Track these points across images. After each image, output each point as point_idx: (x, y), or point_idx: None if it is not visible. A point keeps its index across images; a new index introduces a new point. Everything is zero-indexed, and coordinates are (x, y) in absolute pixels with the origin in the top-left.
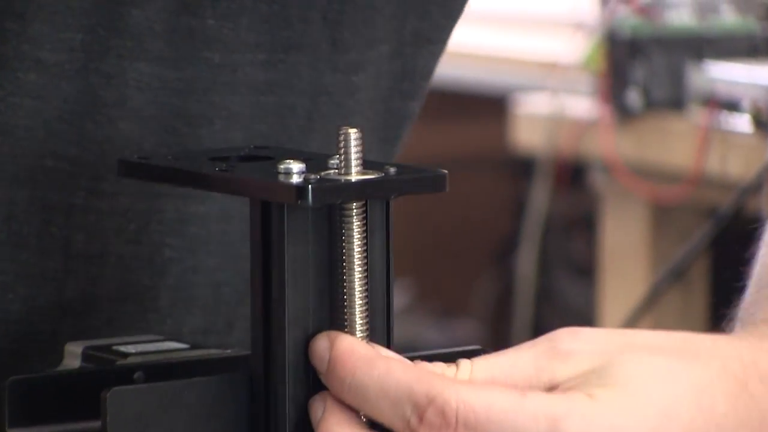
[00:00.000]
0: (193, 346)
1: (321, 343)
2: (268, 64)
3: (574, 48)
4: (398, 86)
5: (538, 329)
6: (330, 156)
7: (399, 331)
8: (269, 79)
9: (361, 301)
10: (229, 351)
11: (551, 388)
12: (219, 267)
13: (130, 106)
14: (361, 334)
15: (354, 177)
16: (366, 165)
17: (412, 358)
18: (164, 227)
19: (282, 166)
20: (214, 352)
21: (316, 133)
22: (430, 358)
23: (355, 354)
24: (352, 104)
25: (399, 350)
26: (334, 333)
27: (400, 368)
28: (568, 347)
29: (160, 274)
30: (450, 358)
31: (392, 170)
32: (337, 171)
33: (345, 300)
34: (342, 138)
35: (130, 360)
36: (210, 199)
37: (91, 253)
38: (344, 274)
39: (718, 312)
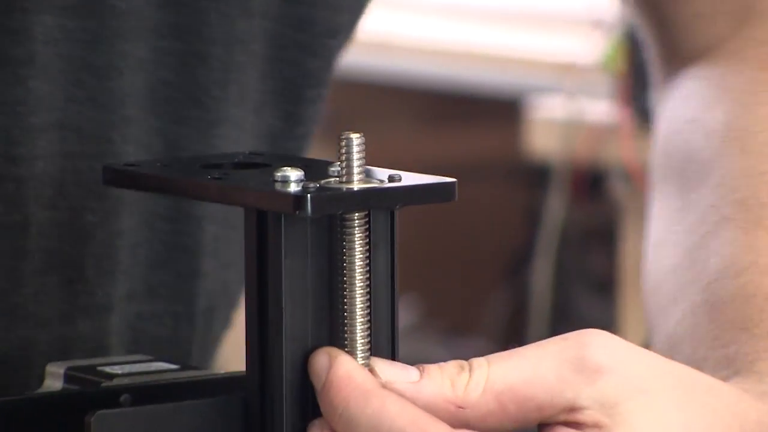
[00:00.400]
0: (184, 367)
1: (320, 360)
2: (170, 7)
3: (592, 47)
4: (294, 36)
5: None
6: (331, 162)
7: (404, 350)
8: (172, 23)
9: (363, 319)
10: (222, 372)
11: (570, 410)
12: (136, 227)
13: (39, 63)
14: (362, 354)
15: (356, 185)
16: (369, 173)
17: None
18: (83, 190)
19: (279, 174)
20: (205, 373)
21: (234, 85)
22: None
23: (352, 383)
24: (261, 53)
25: None
26: (335, 351)
27: (396, 408)
28: (599, 362)
29: (83, 241)
30: None
31: (398, 178)
32: (338, 179)
33: (346, 317)
34: (343, 143)
35: (116, 381)
36: (126, 156)
37: (12, 223)
38: (345, 289)
39: None
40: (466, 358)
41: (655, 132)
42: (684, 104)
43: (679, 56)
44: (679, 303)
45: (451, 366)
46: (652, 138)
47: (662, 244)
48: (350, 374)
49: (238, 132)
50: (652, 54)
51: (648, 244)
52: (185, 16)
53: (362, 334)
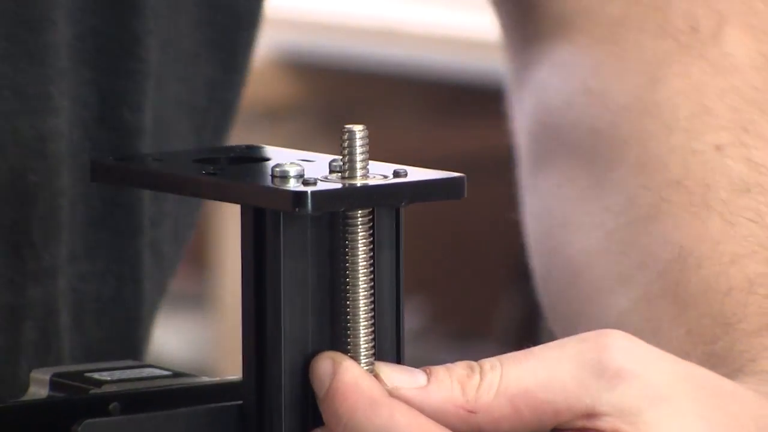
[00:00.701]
0: (176, 373)
1: (323, 365)
2: None
3: None
4: None
5: None
6: (332, 157)
7: (411, 356)
8: None
9: (366, 323)
10: (217, 378)
11: (588, 416)
12: (71, 184)
13: None
14: (366, 359)
15: (359, 181)
16: (374, 168)
17: None
18: (23, 149)
19: (277, 169)
20: (199, 379)
21: (166, 35)
22: None
23: (358, 391)
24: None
25: None
26: (339, 357)
27: (405, 419)
28: (619, 366)
29: (27, 203)
30: None
31: (403, 173)
32: (340, 174)
33: (348, 321)
34: (346, 137)
35: (105, 388)
36: (63, 109)
37: None
38: (348, 291)
39: None
40: None
41: (518, 101)
42: (567, 74)
43: (544, 20)
44: (620, 291)
45: (460, 368)
46: (514, 108)
47: (572, 225)
48: (356, 381)
49: (176, 84)
50: (503, 17)
51: (533, 220)
52: None
53: (366, 338)
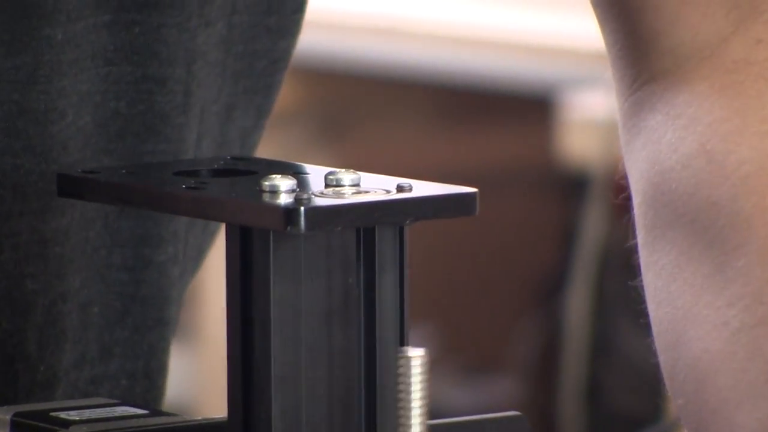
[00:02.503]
0: (154, 413)
1: None
2: (118, 27)
3: None
4: (263, 22)
5: (593, 389)
6: (329, 170)
7: None
8: (119, 45)
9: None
10: (199, 418)
11: None
12: (84, 285)
13: None
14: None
15: (358, 197)
16: (375, 182)
17: (435, 427)
18: (21, 254)
19: (266, 183)
20: (180, 419)
21: (196, 106)
22: (457, 428)
23: None
24: (222, 57)
25: None
26: None
27: None
28: None
29: (23, 312)
30: (483, 427)
31: (408, 188)
32: (336, 189)
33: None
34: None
35: (73, 430)
36: (72, 207)
37: None
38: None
39: None
40: (490, 400)
41: (630, 150)
42: (683, 130)
43: (658, 56)
44: (747, 408)
45: None
46: (626, 158)
47: (695, 319)
48: None
49: (210, 146)
50: (614, 51)
51: (658, 303)
52: (138, 36)
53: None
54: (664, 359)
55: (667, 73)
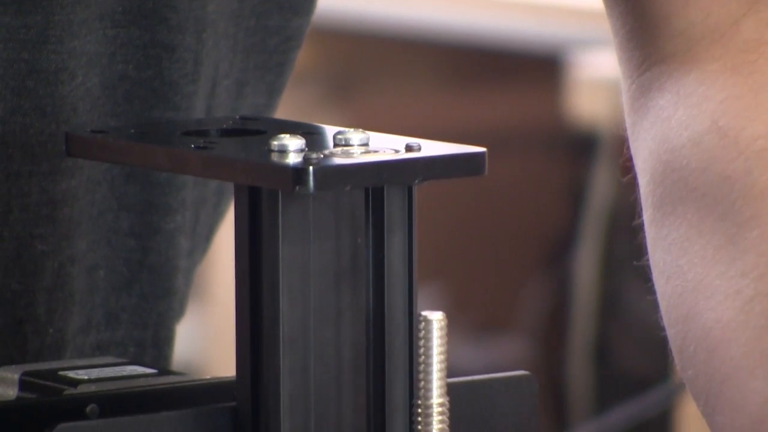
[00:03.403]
0: (162, 372)
1: None
2: None
3: None
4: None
5: (601, 349)
6: (338, 129)
7: None
8: (131, 9)
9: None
10: (207, 377)
11: None
12: (90, 248)
13: None
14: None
15: (367, 156)
16: (384, 141)
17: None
18: (30, 214)
19: (275, 143)
20: (188, 378)
21: (206, 77)
22: (465, 387)
23: None
24: (234, 31)
25: None
26: None
27: None
28: None
29: (33, 274)
30: (491, 387)
31: (417, 147)
32: (345, 148)
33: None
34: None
35: (82, 389)
36: (80, 169)
37: None
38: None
39: None
40: (499, 360)
41: (636, 130)
42: (694, 108)
43: (668, 38)
44: (761, 374)
45: None
46: (633, 138)
47: (705, 291)
48: None
49: None
50: (622, 33)
51: (666, 277)
52: (146, 1)
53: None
54: (673, 333)
55: (677, 55)
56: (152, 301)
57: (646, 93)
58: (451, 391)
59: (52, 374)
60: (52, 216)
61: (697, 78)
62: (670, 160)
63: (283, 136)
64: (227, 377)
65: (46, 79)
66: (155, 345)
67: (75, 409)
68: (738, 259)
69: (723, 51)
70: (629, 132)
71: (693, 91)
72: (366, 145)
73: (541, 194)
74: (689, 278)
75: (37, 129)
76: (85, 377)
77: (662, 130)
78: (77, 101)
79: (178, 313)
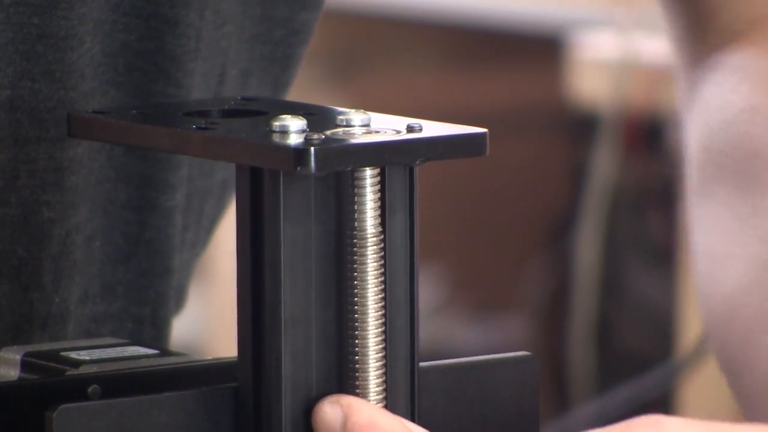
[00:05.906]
0: (164, 353)
1: (329, 411)
2: None
3: None
4: None
5: (603, 329)
6: (340, 110)
7: (428, 331)
8: None
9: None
10: (209, 358)
11: None
12: (89, 218)
13: None
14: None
15: (368, 137)
16: (385, 122)
17: (444, 367)
18: (38, 180)
19: (277, 123)
20: (190, 359)
21: (209, 58)
22: (466, 367)
23: (377, 429)
24: (240, 19)
25: (427, 357)
26: (345, 399)
27: None
28: None
29: (39, 241)
30: (492, 367)
31: (418, 128)
32: (346, 129)
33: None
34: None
35: (83, 370)
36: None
37: None
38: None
39: None
40: (500, 340)
41: (687, 122)
42: (732, 90)
43: (715, 32)
44: None
45: None
46: (684, 131)
47: (730, 260)
48: (372, 419)
49: None
50: (676, 31)
51: (700, 257)
52: None
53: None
54: (702, 308)
55: (722, 46)
56: (150, 278)
57: (694, 86)
58: (453, 372)
59: (53, 355)
60: (59, 183)
61: (734, 63)
62: (707, 146)
63: (284, 116)
64: (229, 358)
65: (56, 44)
66: (154, 324)
67: (77, 389)
68: (759, 227)
69: (761, 35)
70: (684, 125)
71: (727, 78)
72: (367, 125)
73: (543, 175)
74: (718, 251)
75: (46, 94)
76: (87, 358)
77: (703, 118)
78: (85, 68)
79: (176, 303)
